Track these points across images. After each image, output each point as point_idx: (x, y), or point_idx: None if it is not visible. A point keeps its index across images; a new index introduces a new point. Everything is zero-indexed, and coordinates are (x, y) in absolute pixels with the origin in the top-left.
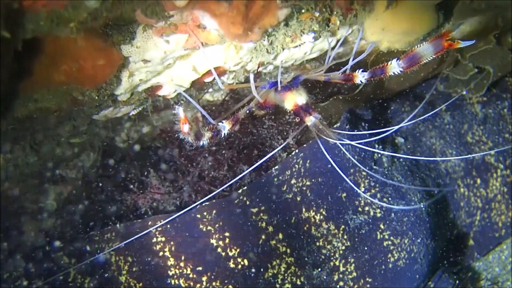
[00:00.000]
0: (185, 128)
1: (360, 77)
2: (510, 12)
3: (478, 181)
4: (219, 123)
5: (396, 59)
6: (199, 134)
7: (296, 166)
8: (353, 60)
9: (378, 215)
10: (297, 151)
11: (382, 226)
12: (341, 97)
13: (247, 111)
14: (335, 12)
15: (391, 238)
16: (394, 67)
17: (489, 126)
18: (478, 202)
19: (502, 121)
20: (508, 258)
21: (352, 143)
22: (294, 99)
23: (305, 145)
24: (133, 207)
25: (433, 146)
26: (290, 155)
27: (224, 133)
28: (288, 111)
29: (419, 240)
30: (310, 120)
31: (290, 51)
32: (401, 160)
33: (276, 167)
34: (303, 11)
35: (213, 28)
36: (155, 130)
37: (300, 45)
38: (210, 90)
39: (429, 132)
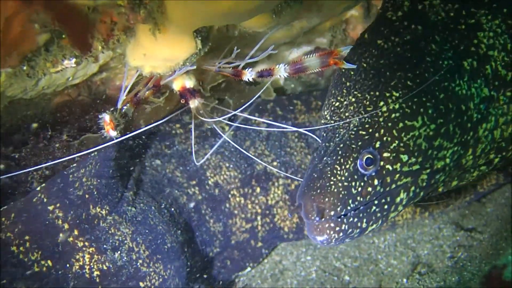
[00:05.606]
0: (113, 133)
1: (248, 75)
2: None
3: (258, 189)
4: (124, 107)
5: (283, 64)
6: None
7: (89, 166)
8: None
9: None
10: (95, 153)
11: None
12: None
13: (146, 91)
14: (96, 38)
15: (161, 225)
16: (281, 70)
17: (271, 142)
18: (257, 208)
19: (284, 138)
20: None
21: (240, 125)
22: (183, 82)
23: (102, 151)
24: None
25: (208, 161)
26: (89, 156)
27: (129, 116)
28: (175, 91)
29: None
30: (194, 102)
31: (52, 76)
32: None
33: (74, 164)
34: (63, 36)
35: None
36: None
37: (62, 70)
38: None
39: (204, 150)
